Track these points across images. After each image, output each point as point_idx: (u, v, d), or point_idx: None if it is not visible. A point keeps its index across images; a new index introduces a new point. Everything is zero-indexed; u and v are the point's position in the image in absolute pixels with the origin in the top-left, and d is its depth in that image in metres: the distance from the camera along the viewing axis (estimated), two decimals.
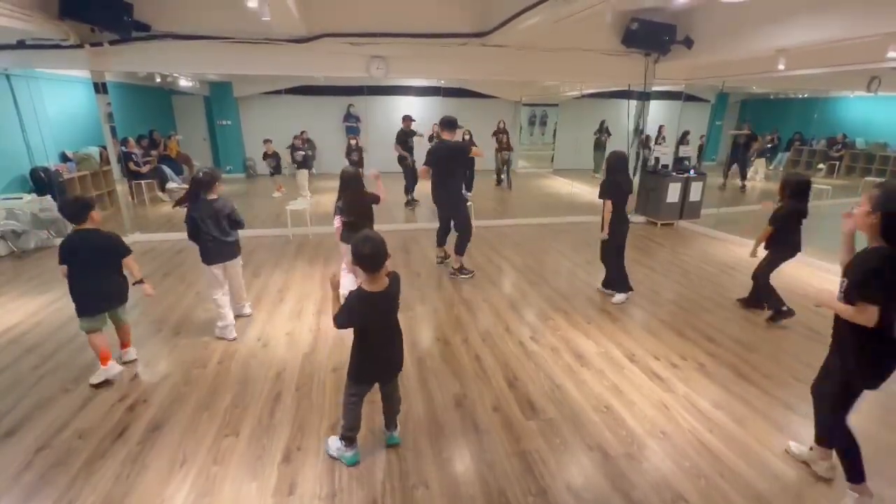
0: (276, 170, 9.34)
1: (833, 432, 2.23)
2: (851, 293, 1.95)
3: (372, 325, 2.21)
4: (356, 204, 3.97)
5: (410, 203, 8.54)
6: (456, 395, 2.98)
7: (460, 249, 5.00)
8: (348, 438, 2.37)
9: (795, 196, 3.75)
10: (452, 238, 5.10)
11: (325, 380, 3.11)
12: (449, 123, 4.72)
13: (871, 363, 2.03)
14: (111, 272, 3.05)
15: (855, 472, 2.15)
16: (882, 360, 2.01)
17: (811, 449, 2.40)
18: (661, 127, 10.35)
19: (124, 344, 3.33)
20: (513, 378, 3.18)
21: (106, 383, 3.04)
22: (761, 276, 4.03)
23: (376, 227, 3.75)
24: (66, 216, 2.99)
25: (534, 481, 2.30)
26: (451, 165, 4.83)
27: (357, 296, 2.13)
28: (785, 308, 3.96)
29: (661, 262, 5.71)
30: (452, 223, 5.10)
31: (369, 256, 2.05)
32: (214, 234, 3.44)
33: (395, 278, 2.24)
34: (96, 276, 2.97)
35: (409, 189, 8.57)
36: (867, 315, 1.88)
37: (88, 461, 2.39)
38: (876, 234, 1.90)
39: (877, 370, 2.04)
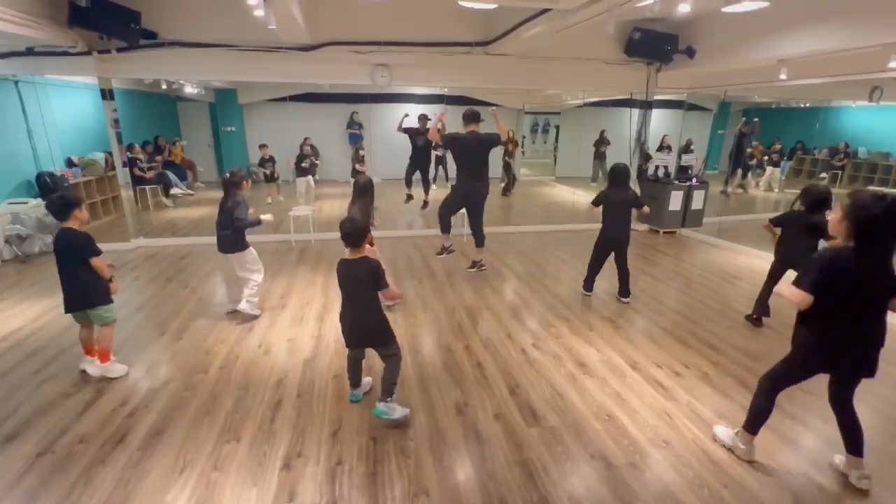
0: (271, 177, 9.15)
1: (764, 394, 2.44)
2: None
3: (342, 289, 2.70)
4: (364, 212, 4.04)
5: (422, 206, 8.46)
6: (457, 403, 2.97)
7: (480, 242, 5.17)
8: (349, 384, 2.98)
9: (809, 208, 3.59)
10: (457, 231, 5.16)
11: (326, 387, 3.11)
12: (470, 116, 4.78)
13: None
14: (75, 272, 2.99)
15: (754, 424, 2.46)
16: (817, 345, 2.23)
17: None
18: (664, 137, 10.39)
19: (88, 350, 3.19)
20: (514, 385, 3.17)
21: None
22: (766, 282, 3.98)
23: (379, 231, 3.78)
24: (51, 213, 3.03)
25: (535, 490, 2.28)
26: (472, 157, 4.85)
27: (340, 260, 2.68)
28: (755, 317, 4.12)
29: (664, 270, 5.70)
30: (467, 220, 5.19)
31: (345, 233, 2.59)
32: (218, 229, 3.93)
33: (364, 261, 2.61)
34: (64, 274, 2.99)
35: (424, 191, 8.51)
36: (799, 298, 2.10)
37: (89, 466, 2.38)
38: (846, 237, 2.06)
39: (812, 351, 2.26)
